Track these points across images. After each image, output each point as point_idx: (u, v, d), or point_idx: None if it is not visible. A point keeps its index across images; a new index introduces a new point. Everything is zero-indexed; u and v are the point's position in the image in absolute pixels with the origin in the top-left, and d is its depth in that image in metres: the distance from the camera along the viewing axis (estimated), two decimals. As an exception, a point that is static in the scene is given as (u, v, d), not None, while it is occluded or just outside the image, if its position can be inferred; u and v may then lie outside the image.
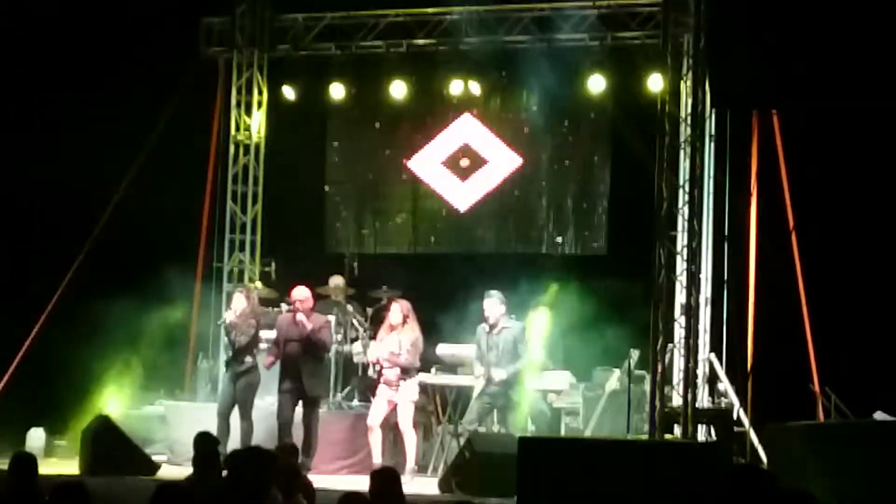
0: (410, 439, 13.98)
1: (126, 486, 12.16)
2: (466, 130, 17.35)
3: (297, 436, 13.86)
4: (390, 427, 14.27)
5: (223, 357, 15.18)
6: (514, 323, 14.10)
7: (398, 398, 14.01)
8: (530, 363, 14.13)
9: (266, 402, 14.94)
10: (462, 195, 17.31)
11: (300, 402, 14.10)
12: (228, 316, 14.35)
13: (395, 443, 14.44)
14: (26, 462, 9.00)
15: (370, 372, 14.47)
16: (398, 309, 14.14)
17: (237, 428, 13.92)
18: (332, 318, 15.05)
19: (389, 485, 8.14)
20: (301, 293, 14.16)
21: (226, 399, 14.19)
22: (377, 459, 13.86)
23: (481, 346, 14.01)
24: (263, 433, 13.79)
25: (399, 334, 14.02)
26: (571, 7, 16.39)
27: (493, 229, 17.32)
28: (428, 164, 17.43)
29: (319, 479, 11.14)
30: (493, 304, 13.96)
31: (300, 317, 13.98)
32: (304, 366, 13.98)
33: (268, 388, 14.83)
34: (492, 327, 13.97)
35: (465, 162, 17.29)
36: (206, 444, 9.84)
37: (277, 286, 16.61)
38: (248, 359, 14.25)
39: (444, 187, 17.36)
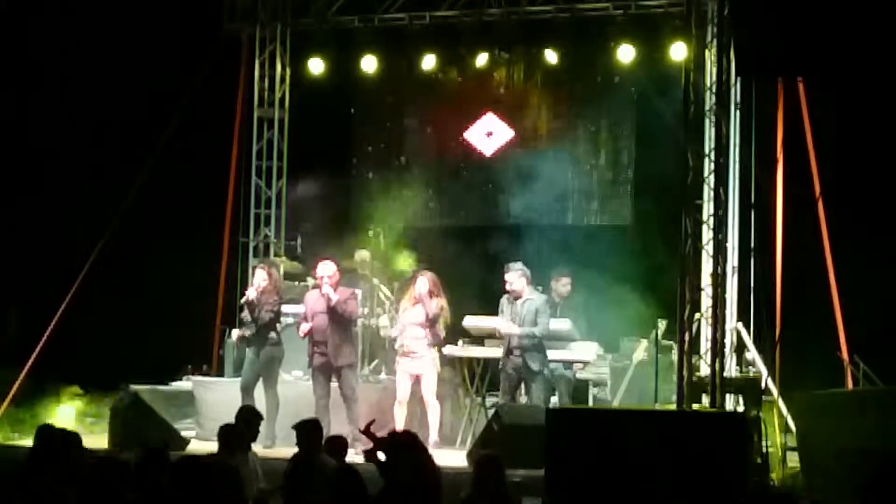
0: (434, 411, 14.00)
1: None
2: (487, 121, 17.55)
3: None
4: (416, 400, 14.25)
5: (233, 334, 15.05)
6: (537, 294, 14.10)
7: (421, 369, 14.02)
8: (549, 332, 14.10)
9: (293, 377, 14.97)
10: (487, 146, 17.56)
11: (332, 377, 14.13)
12: (250, 293, 14.34)
13: (421, 415, 14.41)
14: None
15: (396, 345, 14.38)
16: (424, 281, 14.12)
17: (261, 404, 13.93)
18: (358, 291, 15.04)
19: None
20: (327, 268, 14.16)
21: (249, 374, 14.24)
22: (399, 433, 13.93)
23: (504, 315, 14.04)
24: (299, 408, 13.67)
25: (425, 306, 14.00)
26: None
27: (519, 201, 17.29)
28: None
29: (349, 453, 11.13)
30: (515, 276, 13.97)
31: (326, 289, 14.00)
32: (330, 337, 14.01)
33: (295, 362, 14.84)
34: (515, 298, 13.98)
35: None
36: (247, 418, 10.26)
37: (303, 260, 16.65)
38: (272, 335, 14.29)
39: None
